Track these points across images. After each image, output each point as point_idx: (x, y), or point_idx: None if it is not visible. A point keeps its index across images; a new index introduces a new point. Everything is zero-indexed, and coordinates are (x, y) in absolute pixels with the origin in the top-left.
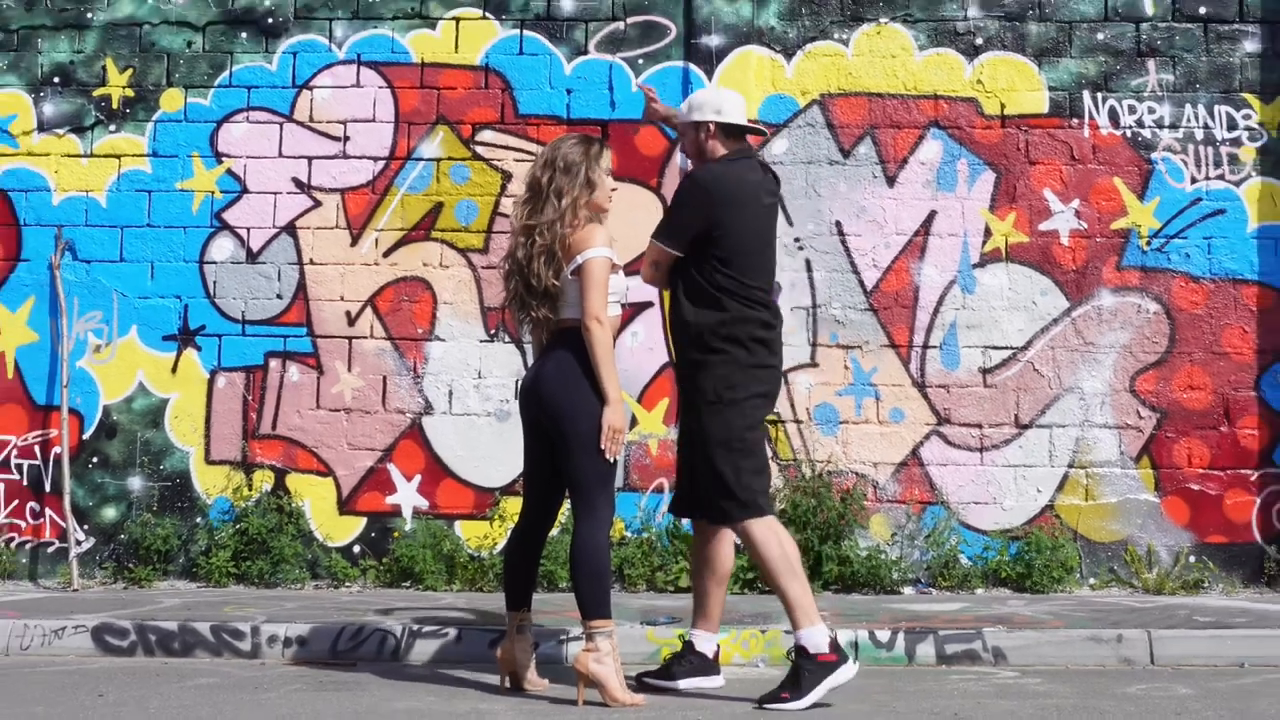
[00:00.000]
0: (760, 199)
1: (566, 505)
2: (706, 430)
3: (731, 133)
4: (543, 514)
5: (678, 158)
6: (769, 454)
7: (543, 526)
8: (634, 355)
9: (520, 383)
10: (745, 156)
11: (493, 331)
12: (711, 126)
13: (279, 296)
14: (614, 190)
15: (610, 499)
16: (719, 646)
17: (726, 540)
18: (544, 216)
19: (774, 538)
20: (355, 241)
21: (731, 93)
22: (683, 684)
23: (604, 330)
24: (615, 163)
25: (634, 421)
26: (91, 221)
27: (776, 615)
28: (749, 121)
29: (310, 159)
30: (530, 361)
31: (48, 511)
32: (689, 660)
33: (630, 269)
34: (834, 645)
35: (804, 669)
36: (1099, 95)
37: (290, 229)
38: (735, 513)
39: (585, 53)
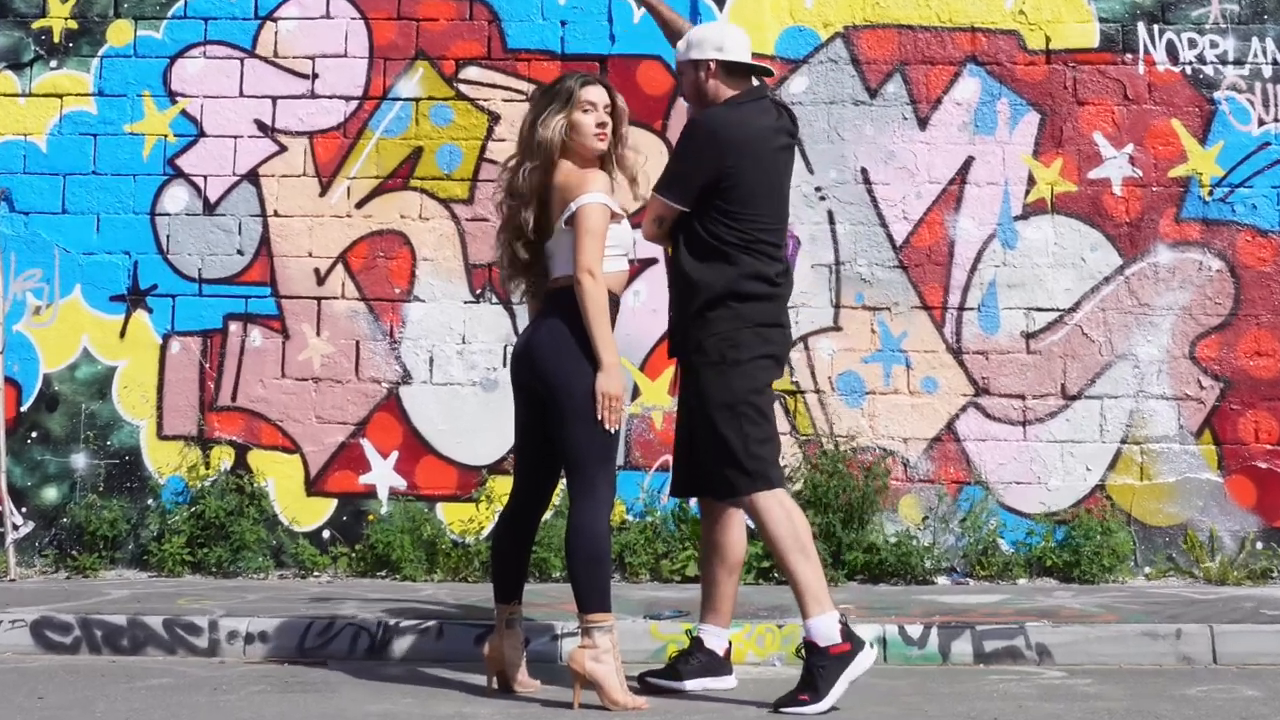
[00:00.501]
0: (771, 144)
1: (562, 485)
2: (707, 393)
3: (735, 72)
4: (536, 495)
5: None
6: (781, 426)
7: (535, 509)
8: (636, 317)
9: (511, 349)
10: (756, 98)
11: (478, 291)
12: (712, 65)
13: (239, 252)
14: (601, 126)
15: (611, 478)
16: (730, 643)
17: (738, 524)
18: (525, 164)
19: (783, 512)
20: (325, 191)
21: (735, 28)
22: (690, 684)
23: (596, 285)
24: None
25: (636, 392)
26: (30, 169)
27: (794, 609)
28: (756, 61)
29: (274, 99)
30: (522, 326)
31: None
32: (697, 658)
33: (635, 220)
34: (846, 633)
35: (817, 666)
36: (1155, 27)
37: (252, 177)
38: (741, 484)
39: None
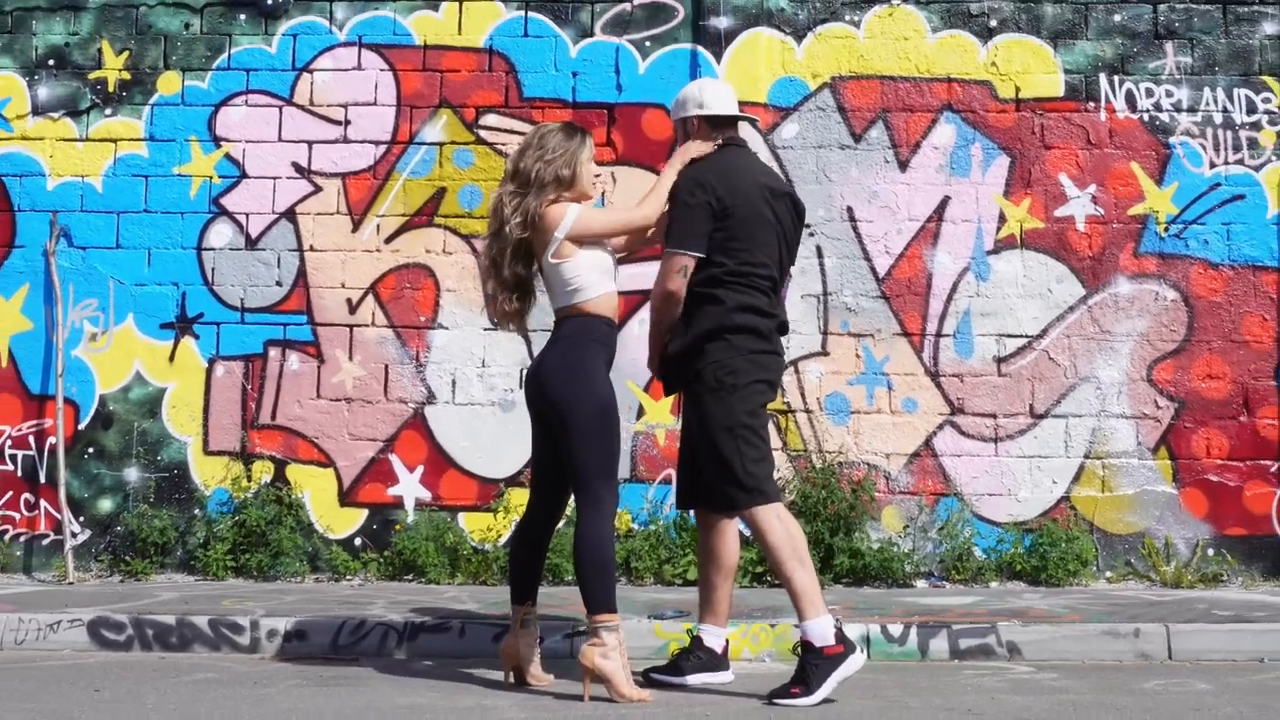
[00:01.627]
0: (756, 180)
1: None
2: (708, 416)
3: (719, 124)
4: (550, 506)
5: None
6: (774, 442)
7: (550, 519)
8: (640, 343)
9: (524, 371)
10: (734, 144)
11: (496, 319)
12: (695, 122)
13: (278, 284)
14: (598, 177)
15: (613, 489)
16: (728, 641)
17: (731, 533)
18: (522, 203)
19: (780, 524)
20: (356, 227)
21: (716, 82)
22: (691, 679)
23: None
24: (621, 147)
25: (641, 411)
26: (87, 207)
27: (786, 609)
28: (739, 110)
29: (310, 143)
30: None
31: (42, 503)
32: (697, 655)
33: (628, 257)
34: (840, 636)
35: (811, 663)
36: (1115, 78)
37: (290, 215)
38: (741, 499)
39: (591, 35)
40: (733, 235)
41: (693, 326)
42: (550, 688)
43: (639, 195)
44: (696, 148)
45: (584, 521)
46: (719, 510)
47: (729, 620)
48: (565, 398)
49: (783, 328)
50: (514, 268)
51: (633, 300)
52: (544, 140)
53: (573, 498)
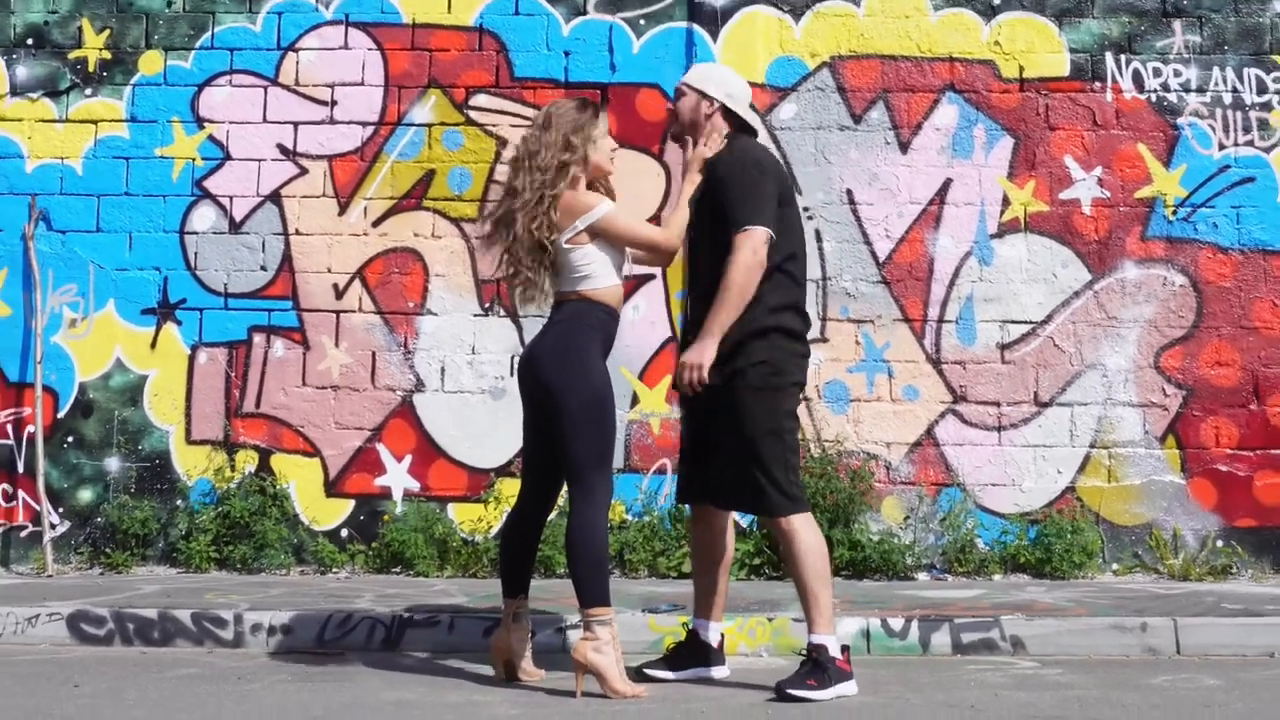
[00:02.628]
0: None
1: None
2: (752, 418)
3: (730, 119)
4: (542, 496)
5: None
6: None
7: (542, 509)
8: (635, 330)
9: (517, 358)
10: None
11: (487, 305)
12: (716, 104)
13: (263, 268)
14: (615, 151)
15: (607, 480)
16: (723, 636)
17: (728, 527)
18: (533, 177)
19: (814, 536)
20: (343, 211)
21: (745, 83)
22: (686, 674)
23: (674, 236)
24: (615, 128)
25: (635, 399)
26: (67, 190)
27: (784, 603)
28: (750, 116)
29: (296, 124)
30: (529, 337)
31: (20, 494)
32: (693, 650)
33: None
34: (848, 659)
35: (826, 662)
36: (1122, 57)
37: (275, 198)
38: (782, 506)
39: (584, 13)
40: (786, 226)
41: (747, 316)
42: (542, 683)
43: (632, 179)
44: (709, 150)
45: (576, 512)
46: (757, 513)
47: (725, 614)
48: (559, 382)
49: None
50: (539, 234)
51: (627, 286)
52: (555, 113)
53: (565, 487)
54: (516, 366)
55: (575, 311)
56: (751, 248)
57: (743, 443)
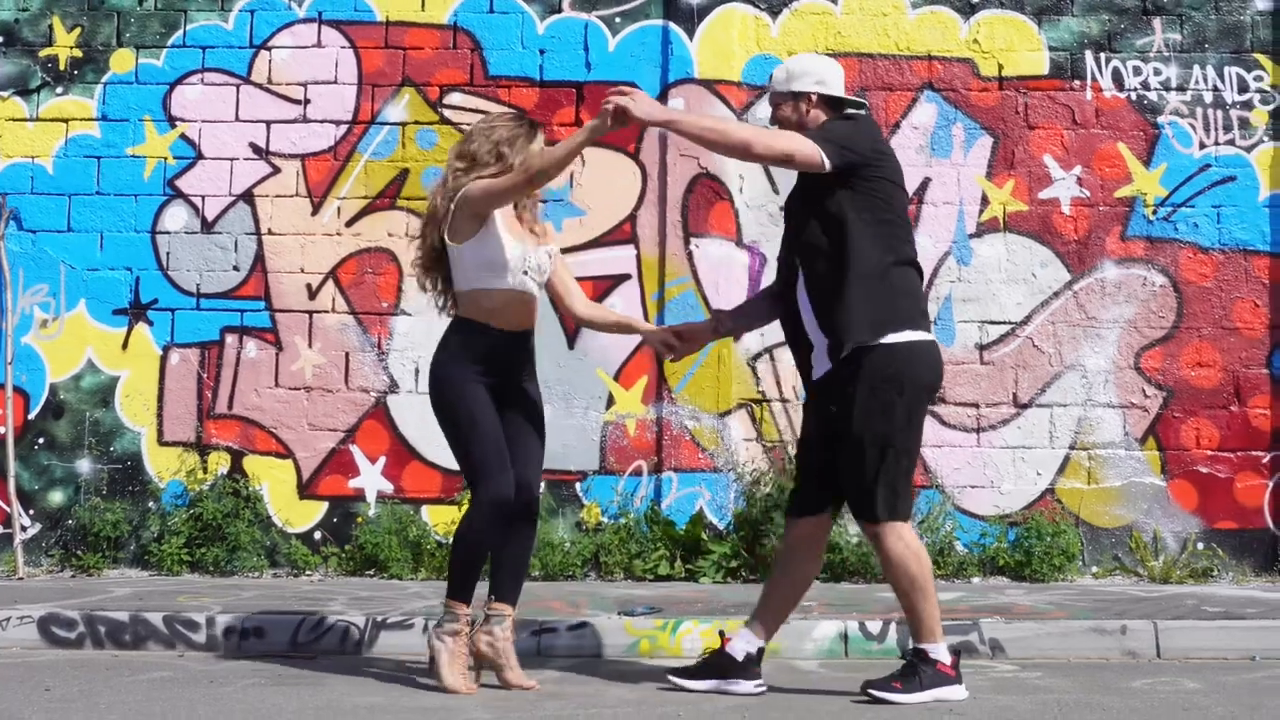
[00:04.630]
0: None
1: (564, 491)
2: (896, 423)
3: (833, 105)
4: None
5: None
6: (749, 433)
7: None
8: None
9: None
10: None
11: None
12: (814, 97)
13: (235, 268)
14: None
15: (482, 489)
16: (760, 650)
17: (820, 553)
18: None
19: (921, 548)
20: (316, 210)
21: (832, 61)
22: (706, 685)
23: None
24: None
25: (610, 400)
26: (37, 189)
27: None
28: (848, 95)
29: (269, 123)
30: None
31: None
32: (718, 661)
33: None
34: (956, 663)
35: (920, 668)
36: (1102, 56)
37: (247, 197)
38: (900, 510)
39: (559, 11)
40: (900, 205)
41: (870, 314)
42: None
43: (606, 178)
44: (603, 126)
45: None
46: (876, 519)
47: (706, 617)
48: (435, 396)
49: None
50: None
51: (601, 286)
52: (502, 124)
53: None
54: None
55: (459, 316)
56: (787, 137)
57: (879, 449)
